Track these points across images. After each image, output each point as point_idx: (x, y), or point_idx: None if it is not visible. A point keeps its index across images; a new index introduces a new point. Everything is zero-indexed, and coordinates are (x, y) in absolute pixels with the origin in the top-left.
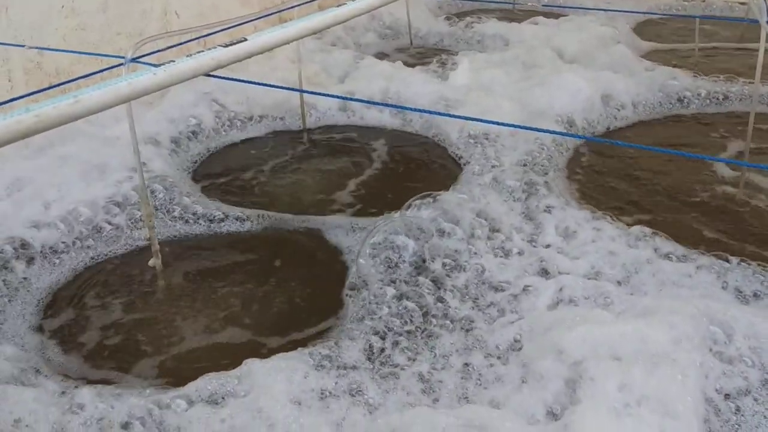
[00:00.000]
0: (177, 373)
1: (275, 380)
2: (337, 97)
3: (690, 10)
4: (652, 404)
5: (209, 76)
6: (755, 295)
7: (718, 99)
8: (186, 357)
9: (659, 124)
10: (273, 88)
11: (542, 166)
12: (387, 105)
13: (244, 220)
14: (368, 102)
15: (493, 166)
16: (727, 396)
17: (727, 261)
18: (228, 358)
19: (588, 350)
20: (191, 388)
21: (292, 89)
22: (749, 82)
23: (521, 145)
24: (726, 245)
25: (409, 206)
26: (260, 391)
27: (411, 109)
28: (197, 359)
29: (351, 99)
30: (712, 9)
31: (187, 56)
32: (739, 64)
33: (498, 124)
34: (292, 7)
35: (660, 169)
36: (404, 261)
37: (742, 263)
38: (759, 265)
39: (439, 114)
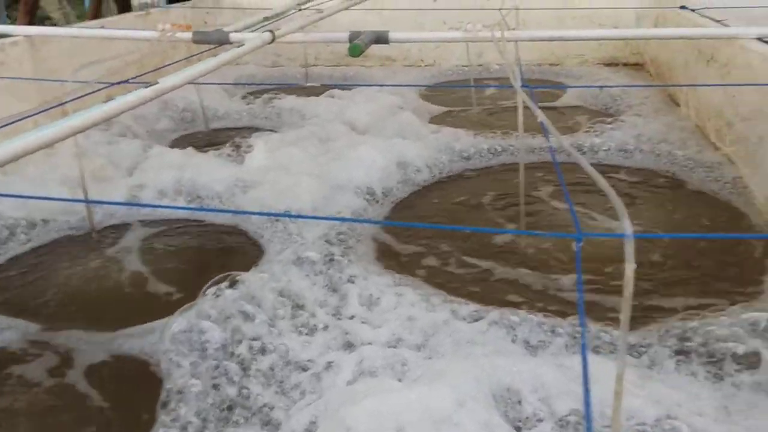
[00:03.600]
0: None
1: None
2: (125, 204)
3: (468, 74)
4: None
5: None
6: (541, 345)
7: (496, 152)
8: None
9: (454, 181)
10: (55, 189)
11: (344, 237)
12: (192, 209)
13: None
14: (176, 208)
15: (295, 243)
16: None
17: (516, 315)
18: None
19: (373, 424)
20: None
21: (73, 200)
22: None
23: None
24: (515, 298)
25: (208, 292)
26: None
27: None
28: None
29: (139, 205)
30: (489, 73)
31: None
32: (512, 121)
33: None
34: (73, 100)
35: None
36: (207, 350)
37: (530, 315)
38: (544, 315)
39: (245, 213)
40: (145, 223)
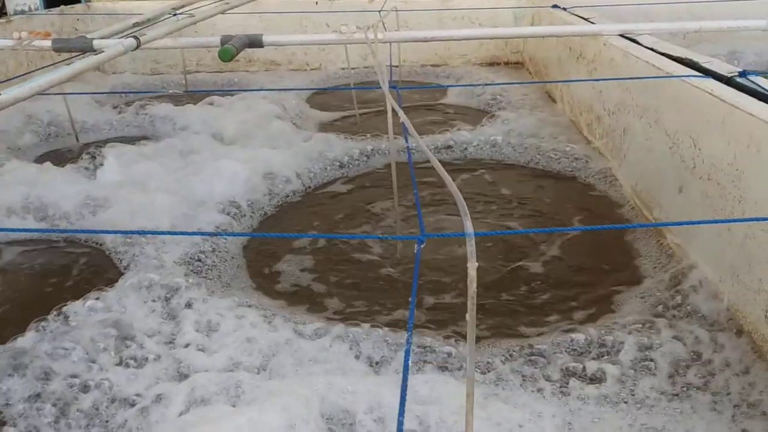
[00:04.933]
0: None
1: None
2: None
3: (353, 78)
4: None
5: None
6: (384, 360)
7: (371, 157)
8: None
9: (326, 189)
10: None
11: (203, 257)
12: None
13: None
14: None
15: (145, 265)
16: None
17: (359, 327)
18: None
19: None
20: None
21: None
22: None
23: (184, 239)
24: (368, 311)
25: (34, 328)
26: None
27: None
28: None
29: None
30: (373, 75)
31: None
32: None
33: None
34: None
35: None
36: (17, 400)
37: (374, 329)
38: (390, 329)
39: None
40: None
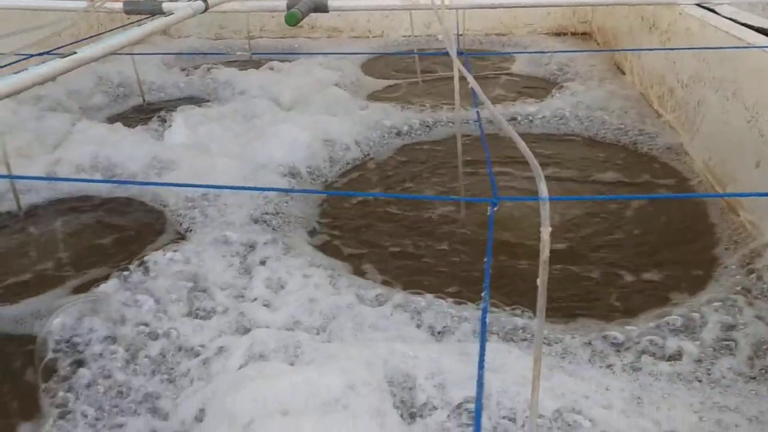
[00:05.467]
0: None
1: None
2: (45, 179)
3: (414, 45)
4: None
5: None
6: (446, 330)
7: (433, 127)
8: None
9: (388, 159)
10: None
11: (271, 218)
12: (101, 181)
13: None
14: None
15: (214, 224)
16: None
17: (422, 297)
18: None
19: (257, 409)
20: None
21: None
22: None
23: (245, 201)
24: (430, 280)
25: (113, 275)
26: None
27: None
28: None
29: (58, 179)
30: (435, 43)
31: None
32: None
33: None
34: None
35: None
36: (94, 340)
37: (437, 299)
38: (454, 299)
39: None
40: (66, 200)
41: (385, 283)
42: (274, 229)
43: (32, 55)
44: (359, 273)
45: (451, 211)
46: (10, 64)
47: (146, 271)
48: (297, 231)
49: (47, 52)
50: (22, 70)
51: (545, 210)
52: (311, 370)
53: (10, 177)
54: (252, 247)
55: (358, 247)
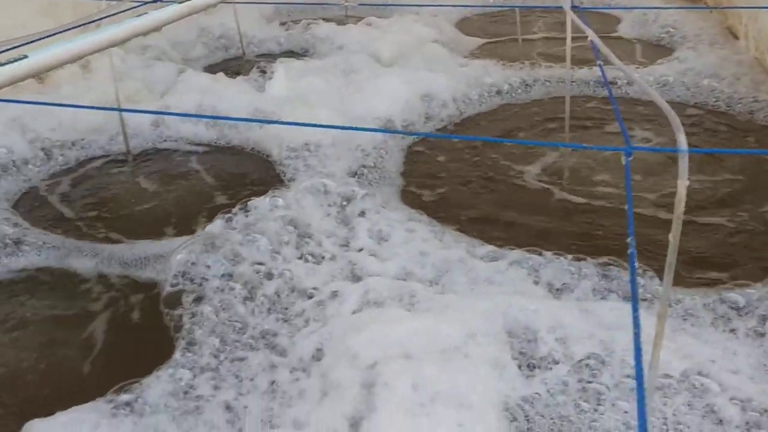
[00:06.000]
0: None
1: None
2: (153, 112)
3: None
4: (447, 399)
5: None
6: (565, 287)
7: (533, 87)
8: None
9: (485, 116)
10: (89, 111)
11: (369, 171)
12: (201, 116)
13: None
14: (188, 115)
15: (312, 174)
16: (529, 385)
17: (541, 255)
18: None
19: (380, 352)
20: None
21: (109, 109)
22: (556, 67)
23: (344, 153)
24: (545, 238)
25: (222, 218)
26: None
27: (227, 118)
28: None
29: (166, 113)
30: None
31: None
32: (556, 50)
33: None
34: (107, 17)
35: (480, 167)
36: (212, 276)
37: (557, 257)
38: (574, 258)
39: (256, 121)
40: (172, 147)
41: (490, 240)
42: (370, 183)
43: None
44: (462, 230)
45: (552, 173)
46: (130, 8)
47: (249, 215)
48: (393, 185)
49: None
50: (143, 14)
51: (684, 162)
52: (431, 318)
53: (138, 111)
54: (349, 198)
55: (458, 206)
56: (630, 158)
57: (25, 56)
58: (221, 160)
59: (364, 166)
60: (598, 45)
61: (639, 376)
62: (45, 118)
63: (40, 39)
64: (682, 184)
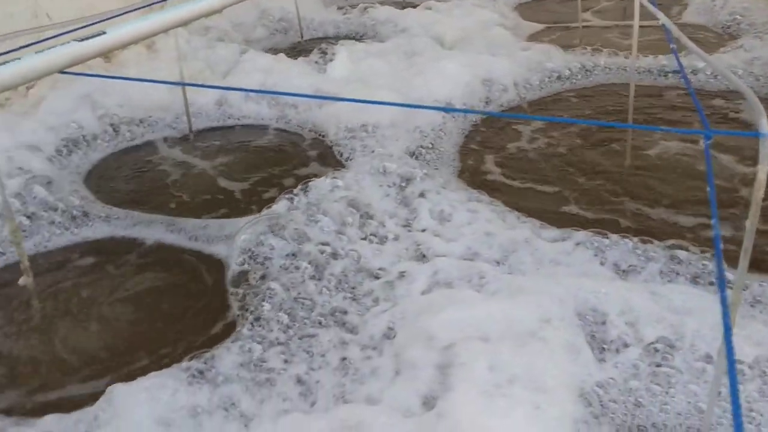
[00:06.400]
0: (36, 402)
1: (139, 402)
2: (217, 87)
3: None
4: (524, 382)
5: (64, 73)
6: (632, 270)
7: (594, 73)
8: (48, 384)
9: (546, 101)
10: (155, 89)
11: (426, 152)
12: (263, 92)
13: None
14: (247, 90)
15: (371, 154)
16: (602, 369)
17: (606, 237)
18: (97, 382)
19: (456, 333)
20: (52, 419)
21: (174, 83)
22: (625, 55)
23: (402, 134)
24: (610, 220)
25: (284, 197)
26: (123, 417)
27: (287, 94)
28: (61, 385)
29: (230, 89)
30: None
31: (36, 53)
32: (618, 36)
33: (383, 104)
34: None
35: (544, 151)
36: (278, 256)
37: (623, 239)
38: (640, 240)
39: (319, 98)
40: (234, 126)
41: (552, 221)
42: (428, 163)
43: None
44: (524, 211)
45: (612, 155)
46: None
47: (310, 195)
48: (452, 166)
49: None
50: None
51: (765, 147)
52: (506, 301)
53: (202, 86)
54: (408, 179)
55: (519, 184)
56: (709, 141)
57: (104, 32)
58: (281, 139)
59: (422, 147)
60: (672, 29)
61: (731, 363)
62: (114, 95)
63: (112, 17)
64: (763, 169)
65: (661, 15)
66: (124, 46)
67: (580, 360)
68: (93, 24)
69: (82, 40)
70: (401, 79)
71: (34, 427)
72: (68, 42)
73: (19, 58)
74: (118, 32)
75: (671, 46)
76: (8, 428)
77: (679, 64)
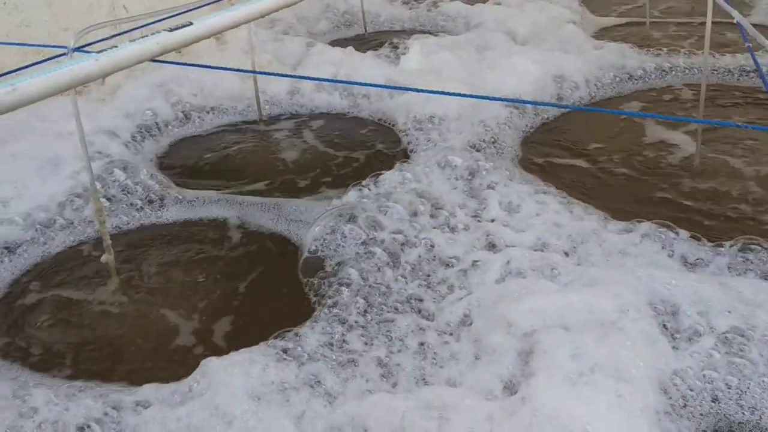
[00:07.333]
0: (133, 373)
1: (232, 375)
2: (290, 76)
3: None
4: (606, 371)
5: (155, 61)
6: (699, 262)
7: (666, 72)
8: (143, 356)
9: (616, 100)
10: (227, 79)
11: (487, 146)
12: (335, 81)
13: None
14: (319, 79)
15: (437, 148)
16: (678, 358)
17: (673, 231)
18: (187, 355)
19: (537, 321)
20: (149, 388)
21: (247, 71)
22: (694, 54)
23: (467, 128)
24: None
25: (355, 188)
26: (217, 389)
27: (359, 83)
28: (155, 358)
29: (303, 77)
30: None
31: (131, 41)
32: (689, 34)
33: (450, 95)
34: None
35: (607, 146)
36: (352, 243)
37: (687, 232)
38: (708, 234)
39: (390, 87)
40: (304, 114)
41: (618, 214)
42: (494, 156)
43: None
44: (591, 203)
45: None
46: None
47: (380, 186)
48: (517, 159)
49: None
50: None
51: None
52: (585, 291)
53: (272, 74)
54: (475, 171)
55: (581, 178)
56: None
57: (191, 23)
58: (351, 128)
59: (484, 140)
60: (746, 27)
61: None
62: (188, 84)
63: (193, 9)
64: None
65: (735, 13)
66: (211, 36)
67: (658, 350)
68: (175, 15)
69: (172, 30)
70: (472, 73)
71: (134, 395)
72: (159, 32)
73: (116, 46)
74: (204, 23)
75: (746, 44)
76: (110, 394)
77: (755, 61)
